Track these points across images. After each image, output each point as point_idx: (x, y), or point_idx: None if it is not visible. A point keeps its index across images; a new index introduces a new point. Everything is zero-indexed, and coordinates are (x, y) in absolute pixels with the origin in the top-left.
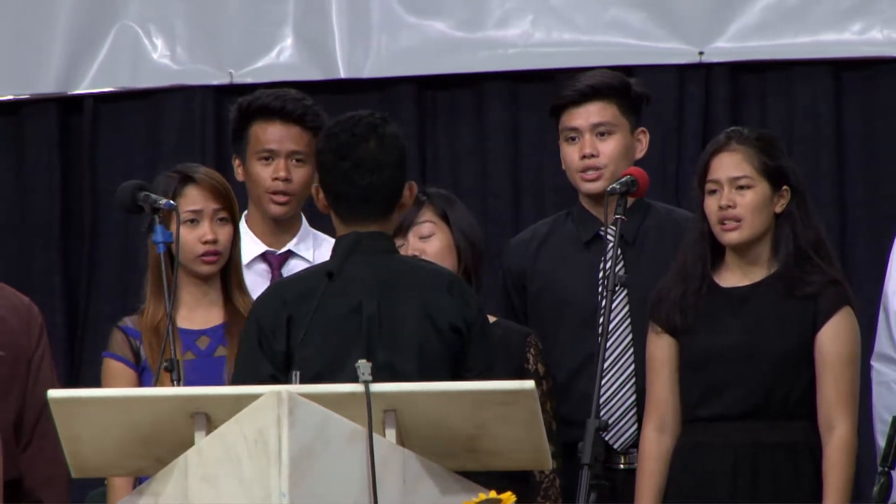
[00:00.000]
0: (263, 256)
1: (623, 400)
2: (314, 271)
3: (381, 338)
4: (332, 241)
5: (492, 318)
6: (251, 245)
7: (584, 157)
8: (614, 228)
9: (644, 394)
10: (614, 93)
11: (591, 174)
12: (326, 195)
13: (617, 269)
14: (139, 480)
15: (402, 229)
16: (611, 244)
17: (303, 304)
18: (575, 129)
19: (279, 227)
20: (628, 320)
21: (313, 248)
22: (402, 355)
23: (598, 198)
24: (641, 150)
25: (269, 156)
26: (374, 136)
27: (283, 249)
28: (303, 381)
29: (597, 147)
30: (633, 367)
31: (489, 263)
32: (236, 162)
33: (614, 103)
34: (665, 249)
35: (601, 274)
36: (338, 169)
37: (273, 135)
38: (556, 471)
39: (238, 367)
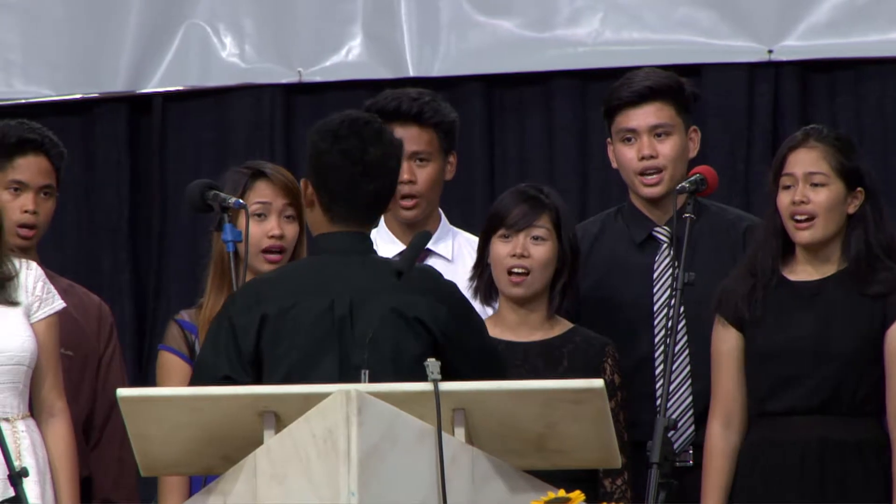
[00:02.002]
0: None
1: (680, 400)
2: (291, 269)
3: (354, 338)
4: (469, 236)
5: (569, 326)
6: (389, 245)
7: (642, 158)
8: (668, 229)
9: (700, 395)
10: (670, 93)
11: (651, 178)
12: (322, 193)
13: (671, 270)
14: (205, 480)
15: (516, 227)
16: (665, 245)
17: (277, 304)
18: (632, 131)
19: (413, 228)
20: (683, 321)
21: (452, 246)
22: (375, 355)
23: (654, 199)
24: (694, 148)
25: None
26: (380, 142)
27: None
28: (273, 380)
29: (655, 148)
30: (689, 368)
31: None
32: None
33: (670, 103)
34: (718, 249)
35: (655, 275)
36: (346, 172)
37: None
38: (628, 481)
39: (199, 361)
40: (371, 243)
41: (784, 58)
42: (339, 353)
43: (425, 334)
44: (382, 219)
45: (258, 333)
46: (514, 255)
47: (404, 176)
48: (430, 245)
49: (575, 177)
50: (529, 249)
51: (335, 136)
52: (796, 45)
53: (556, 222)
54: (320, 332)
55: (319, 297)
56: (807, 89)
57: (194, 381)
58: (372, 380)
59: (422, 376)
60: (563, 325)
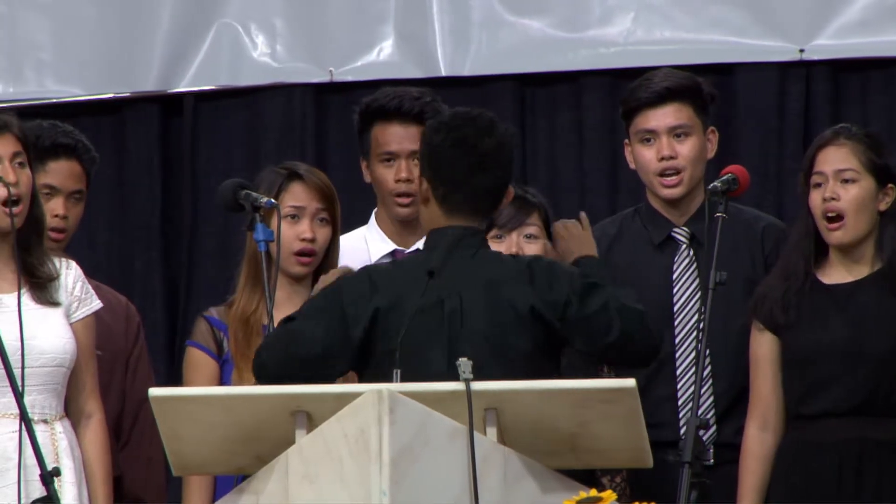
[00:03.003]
0: (392, 255)
1: (702, 400)
2: (404, 263)
3: (463, 333)
4: None
5: None
6: (380, 244)
7: (662, 158)
8: (687, 230)
9: (721, 395)
10: (689, 94)
11: (671, 179)
12: (436, 186)
13: (691, 269)
14: (237, 479)
15: (508, 227)
16: (684, 245)
17: (388, 297)
18: (651, 132)
19: (407, 227)
20: (703, 321)
21: None
22: (480, 351)
23: (673, 200)
24: (712, 149)
25: (390, 157)
26: (493, 132)
27: (412, 248)
28: (380, 373)
29: (675, 149)
30: (709, 368)
31: None
32: (363, 164)
33: (689, 104)
34: (737, 249)
35: (675, 275)
36: (461, 162)
37: (392, 136)
38: (627, 479)
39: (296, 332)
40: (484, 237)
41: (815, 57)
42: (448, 348)
43: (539, 326)
44: (373, 217)
45: (370, 325)
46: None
47: (402, 174)
48: (420, 245)
49: (605, 175)
50: (523, 248)
51: (448, 128)
52: (828, 44)
53: (544, 219)
54: (430, 327)
55: (430, 291)
56: (838, 88)
57: (283, 347)
58: (476, 375)
59: (529, 373)
60: None
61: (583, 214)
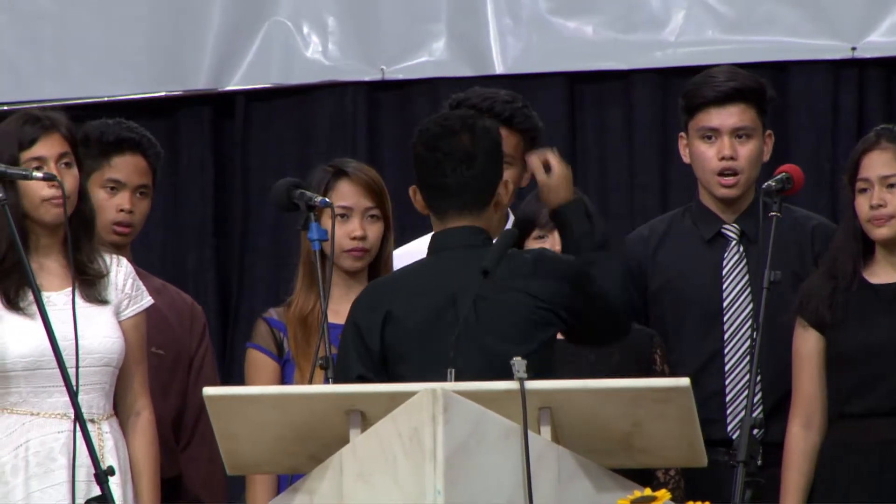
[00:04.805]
0: None
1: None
2: (411, 269)
3: (479, 328)
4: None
5: None
6: None
7: (722, 158)
8: (737, 226)
9: (769, 393)
10: (754, 96)
11: (728, 179)
12: (422, 191)
13: (741, 265)
14: (291, 479)
15: (550, 226)
16: (734, 241)
17: (398, 303)
18: (714, 130)
19: None
20: (751, 319)
21: None
22: (503, 345)
23: (726, 200)
24: (768, 152)
25: None
26: (466, 129)
27: None
28: (397, 378)
29: (736, 150)
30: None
31: None
32: None
33: (753, 107)
34: (787, 248)
35: (724, 271)
36: (430, 160)
37: None
38: (681, 472)
39: (336, 367)
40: (488, 235)
41: (867, 55)
42: (464, 346)
43: (554, 319)
44: None
45: (382, 332)
46: None
47: None
48: None
49: (656, 173)
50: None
51: (421, 132)
52: (880, 41)
53: (585, 213)
54: (443, 327)
55: (440, 293)
56: (891, 86)
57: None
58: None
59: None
60: None
61: (553, 150)
